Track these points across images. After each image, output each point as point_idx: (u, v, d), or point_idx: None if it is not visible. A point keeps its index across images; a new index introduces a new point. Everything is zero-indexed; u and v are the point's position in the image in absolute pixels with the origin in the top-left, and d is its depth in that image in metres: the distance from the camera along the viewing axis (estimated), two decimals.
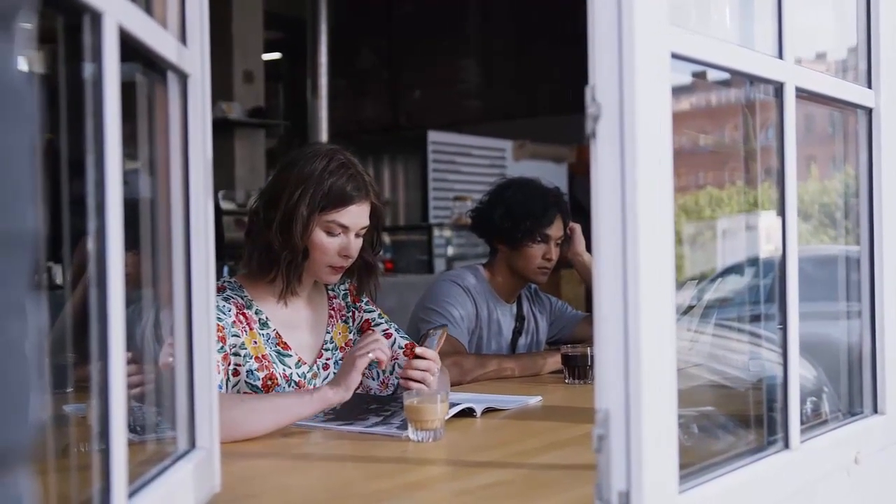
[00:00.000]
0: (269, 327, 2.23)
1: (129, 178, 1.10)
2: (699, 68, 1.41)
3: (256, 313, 2.23)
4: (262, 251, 2.21)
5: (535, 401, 2.36)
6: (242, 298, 2.22)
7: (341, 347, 2.36)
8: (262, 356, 2.19)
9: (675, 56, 1.25)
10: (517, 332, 3.15)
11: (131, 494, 1.09)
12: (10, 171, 0.58)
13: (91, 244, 1.02)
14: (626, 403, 1.17)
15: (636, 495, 1.16)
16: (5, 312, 0.58)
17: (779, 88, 1.52)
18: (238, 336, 2.14)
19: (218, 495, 1.43)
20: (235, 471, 1.60)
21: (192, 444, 1.37)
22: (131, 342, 1.09)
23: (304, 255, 2.20)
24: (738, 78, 1.60)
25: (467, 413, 2.12)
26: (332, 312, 2.38)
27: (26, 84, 0.60)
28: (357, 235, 2.23)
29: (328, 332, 2.35)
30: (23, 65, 0.61)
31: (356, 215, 2.21)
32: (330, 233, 2.19)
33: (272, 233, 2.17)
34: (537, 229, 3.00)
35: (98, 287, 1.01)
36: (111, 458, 1.01)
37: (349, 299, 2.42)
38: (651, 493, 1.16)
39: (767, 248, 1.94)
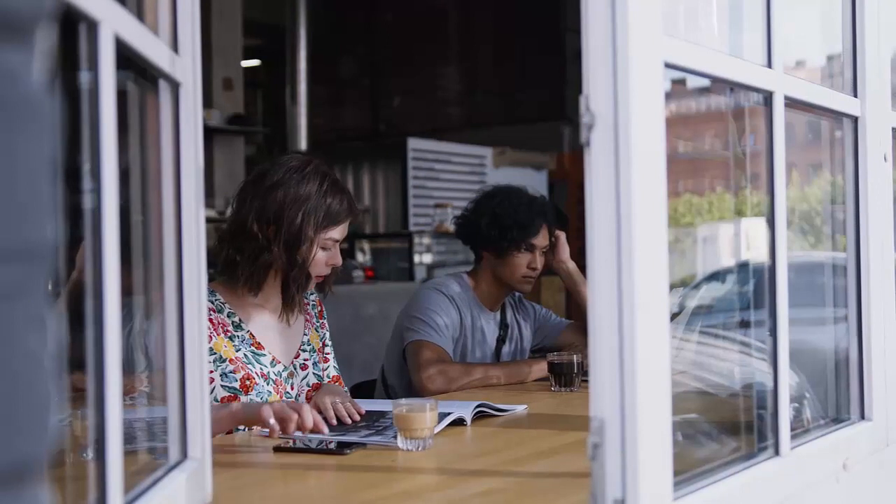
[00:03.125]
0: (243, 329, 2.28)
1: (119, 187, 1.09)
2: (679, 75, 1.41)
3: (229, 316, 2.28)
4: (261, 269, 2.25)
5: (521, 409, 2.36)
6: (213, 302, 2.26)
7: (318, 350, 2.45)
8: (236, 358, 2.24)
9: (667, 65, 1.26)
10: (501, 340, 3.15)
11: None
12: (32, 183, 0.57)
13: (87, 252, 1.01)
14: (622, 411, 1.17)
15: (631, 503, 1.16)
16: (26, 324, 0.57)
17: (768, 97, 1.53)
18: None
19: None
20: (227, 481, 1.59)
21: (184, 455, 1.36)
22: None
23: (309, 276, 2.28)
24: (718, 85, 1.61)
25: (457, 422, 2.11)
26: (308, 317, 2.46)
27: (46, 95, 0.60)
28: (340, 245, 2.35)
29: (305, 335, 2.43)
30: (43, 75, 0.60)
31: (346, 228, 2.34)
32: (324, 248, 2.29)
33: (274, 254, 2.23)
34: (523, 239, 3.00)
35: (94, 297, 1.00)
36: (107, 468, 1.00)
37: (316, 311, 2.51)
38: (646, 501, 1.16)
39: (749, 255, 1.95)
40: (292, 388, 2.35)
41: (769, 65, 1.53)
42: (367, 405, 2.26)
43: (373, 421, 2.13)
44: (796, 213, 2.06)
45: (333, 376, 2.46)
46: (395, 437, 1.89)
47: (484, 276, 3.10)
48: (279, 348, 2.34)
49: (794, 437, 1.58)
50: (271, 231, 2.24)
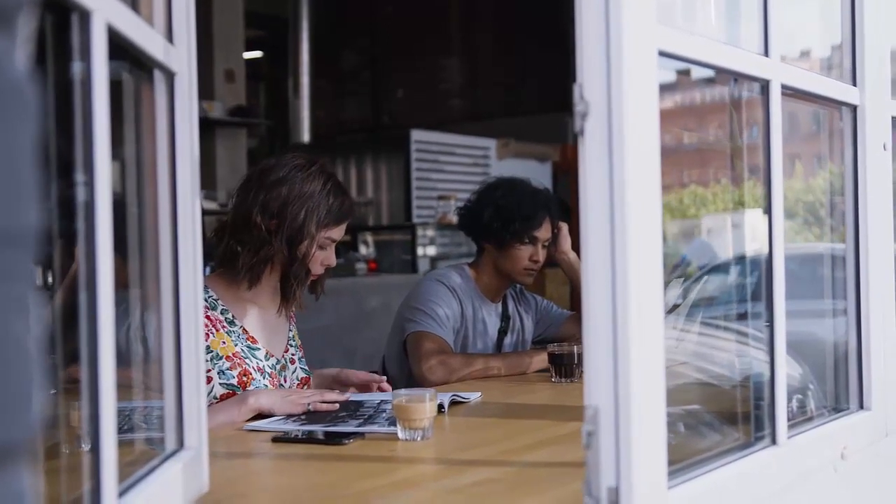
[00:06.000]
0: (236, 325, 2.31)
1: (113, 179, 1.09)
2: (683, 66, 1.41)
3: (222, 313, 2.31)
4: (261, 262, 2.28)
5: (474, 397, 2.37)
6: (206, 300, 2.27)
7: (299, 347, 2.50)
8: (233, 354, 2.27)
9: (662, 54, 1.25)
10: (503, 332, 3.15)
11: (121, 494, 1.08)
12: (15, 169, 0.58)
13: (80, 245, 1.01)
14: (616, 400, 1.17)
15: (625, 491, 1.16)
16: (9, 308, 0.58)
17: (765, 86, 1.53)
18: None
19: (206, 495, 1.42)
20: (223, 471, 1.60)
21: (181, 444, 1.37)
22: (117, 343, 1.08)
23: (308, 271, 2.30)
24: (723, 76, 1.61)
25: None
26: (292, 315, 2.50)
27: (28, 82, 0.60)
28: (337, 245, 2.39)
29: (290, 331, 2.48)
30: (24, 62, 0.61)
31: (343, 230, 2.38)
32: (321, 247, 2.33)
33: (275, 248, 2.26)
34: (526, 231, 2.99)
35: (87, 289, 1.00)
36: (101, 458, 1.00)
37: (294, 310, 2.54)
38: (640, 489, 1.16)
39: (752, 247, 1.95)
40: (285, 381, 2.38)
41: (766, 53, 1.53)
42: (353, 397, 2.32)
43: (354, 411, 2.14)
44: (800, 205, 2.06)
45: (302, 378, 2.47)
46: (389, 424, 1.89)
47: (486, 267, 3.09)
48: (270, 342, 2.38)
49: (791, 426, 1.58)
50: (273, 225, 2.27)
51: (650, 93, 1.21)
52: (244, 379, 2.25)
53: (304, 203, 2.27)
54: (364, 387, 2.44)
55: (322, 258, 2.34)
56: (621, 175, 1.16)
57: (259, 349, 2.33)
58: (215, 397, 2.20)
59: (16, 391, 0.58)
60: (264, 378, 2.29)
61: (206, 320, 2.23)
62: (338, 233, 2.35)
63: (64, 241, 1.11)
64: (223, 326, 2.28)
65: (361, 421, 2.02)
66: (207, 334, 2.22)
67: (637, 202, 1.17)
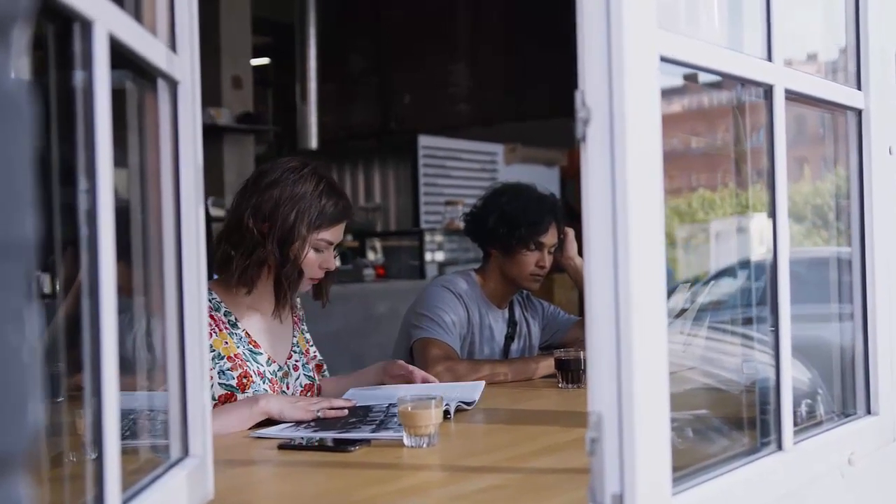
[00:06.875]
0: (238, 328, 2.32)
1: (118, 186, 1.10)
2: (690, 71, 1.41)
3: (225, 315, 2.31)
4: (254, 265, 2.28)
5: (479, 388, 2.39)
6: (210, 301, 2.28)
7: (304, 353, 2.49)
8: (235, 355, 2.27)
9: (663, 59, 1.25)
10: (509, 338, 3.14)
11: (125, 502, 1.08)
12: (11, 180, 0.58)
13: (83, 253, 1.01)
14: (619, 406, 1.17)
15: (629, 498, 1.16)
16: (5, 319, 0.58)
17: (768, 91, 1.53)
18: None
19: (211, 503, 1.42)
20: (228, 479, 1.60)
21: (186, 452, 1.37)
22: (122, 351, 1.09)
23: (301, 273, 2.30)
24: (729, 80, 1.61)
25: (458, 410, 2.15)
26: (296, 320, 2.51)
27: (24, 92, 0.60)
28: (335, 249, 2.38)
29: (294, 336, 2.47)
30: (20, 73, 0.61)
31: (341, 232, 2.37)
32: (317, 249, 2.32)
33: (268, 250, 2.27)
34: (532, 237, 2.99)
35: (90, 296, 1.01)
36: (105, 465, 1.01)
37: (302, 315, 2.56)
38: (644, 496, 1.16)
39: (760, 251, 1.95)
40: (287, 388, 2.38)
41: (769, 58, 1.52)
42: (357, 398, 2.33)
43: (363, 416, 2.14)
44: (808, 209, 2.05)
45: (317, 365, 2.51)
46: (397, 429, 1.89)
47: (492, 273, 3.09)
48: (273, 348, 2.38)
49: (798, 431, 1.57)
50: (266, 227, 2.27)
51: (652, 98, 1.21)
52: (244, 381, 2.25)
53: (296, 204, 2.27)
54: (406, 379, 2.46)
55: (320, 261, 2.33)
56: (623, 180, 1.16)
57: (261, 354, 2.33)
58: (214, 397, 2.21)
59: (12, 401, 0.58)
60: (264, 383, 2.29)
61: (209, 320, 2.23)
62: (332, 235, 2.33)
63: (72, 249, 1.11)
64: (226, 328, 2.28)
65: (374, 427, 2.02)
66: (210, 333, 2.22)
67: (639, 207, 1.17)
